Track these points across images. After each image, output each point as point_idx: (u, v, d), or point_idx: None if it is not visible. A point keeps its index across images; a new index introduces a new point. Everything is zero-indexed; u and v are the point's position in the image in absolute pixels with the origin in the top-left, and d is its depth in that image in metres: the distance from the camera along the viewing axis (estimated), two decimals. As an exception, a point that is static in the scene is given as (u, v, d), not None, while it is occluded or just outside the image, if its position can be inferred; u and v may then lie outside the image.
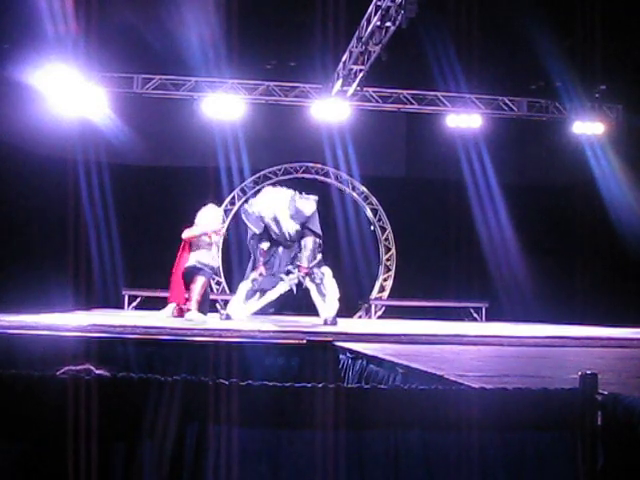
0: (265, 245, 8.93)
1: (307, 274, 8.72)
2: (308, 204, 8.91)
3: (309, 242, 8.83)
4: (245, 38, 10.03)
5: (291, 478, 2.33)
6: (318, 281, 8.78)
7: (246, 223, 9.08)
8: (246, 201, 13.64)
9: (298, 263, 8.80)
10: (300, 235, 8.89)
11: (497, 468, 2.40)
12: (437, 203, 13.89)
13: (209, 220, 9.24)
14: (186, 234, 9.19)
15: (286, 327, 7.29)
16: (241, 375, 4.20)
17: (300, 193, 9.10)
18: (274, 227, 8.81)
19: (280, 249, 8.97)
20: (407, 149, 14.48)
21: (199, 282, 8.91)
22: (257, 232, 8.90)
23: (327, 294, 8.78)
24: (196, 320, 8.38)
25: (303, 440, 2.34)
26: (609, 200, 12.61)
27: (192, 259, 9.07)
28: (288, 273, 8.80)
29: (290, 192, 9.03)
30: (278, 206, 8.81)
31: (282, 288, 8.84)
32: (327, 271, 8.92)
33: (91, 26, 9.52)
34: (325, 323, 8.53)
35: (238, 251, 13.00)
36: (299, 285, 8.78)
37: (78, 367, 2.58)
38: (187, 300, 9.02)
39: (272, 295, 8.84)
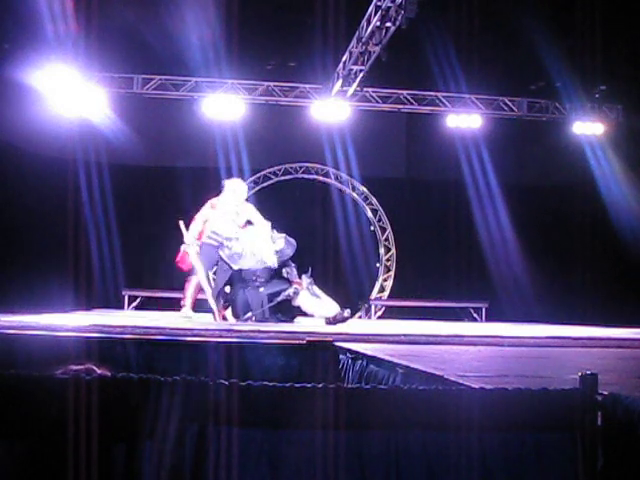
0: (228, 289, 8.76)
1: (300, 285, 8.69)
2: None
3: (289, 268, 8.84)
4: (245, 38, 10.03)
5: (291, 478, 2.33)
6: (309, 287, 8.78)
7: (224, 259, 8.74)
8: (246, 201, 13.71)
9: (292, 279, 8.78)
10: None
11: (497, 468, 2.40)
12: (437, 203, 13.90)
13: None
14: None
15: (286, 327, 7.29)
16: (241, 375, 4.20)
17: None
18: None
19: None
20: (407, 149, 14.48)
21: (193, 281, 8.94)
22: (235, 268, 8.63)
23: (320, 295, 8.80)
24: (186, 317, 8.48)
25: (303, 440, 2.34)
26: (609, 200, 12.61)
27: None
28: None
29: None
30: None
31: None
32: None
33: (91, 26, 9.52)
34: (331, 322, 8.52)
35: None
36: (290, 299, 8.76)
37: (79, 367, 2.59)
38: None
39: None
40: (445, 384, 3.11)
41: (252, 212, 9.04)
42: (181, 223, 8.84)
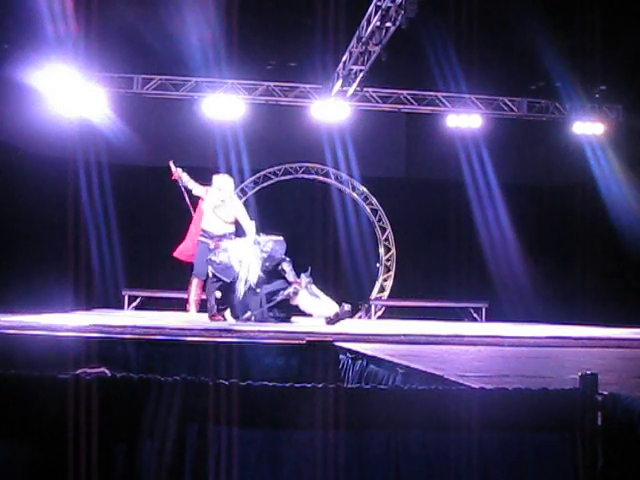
0: (219, 294, 8.75)
1: (299, 284, 8.67)
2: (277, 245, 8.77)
3: (285, 265, 8.81)
4: (245, 38, 10.02)
5: (291, 478, 2.33)
6: (307, 286, 8.76)
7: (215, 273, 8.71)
8: (247, 201, 13.71)
9: (291, 280, 8.75)
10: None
11: (497, 468, 2.40)
12: (437, 203, 13.89)
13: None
14: None
15: (286, 327, 7.29)
16: (241, 375, 4.20)
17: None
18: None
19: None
20: (407, 149, 14.48)
21: (193, 283, 8.96)
22: (227, 281, 8.59)
23: (319, 295, 8.78)
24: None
25: (303, 440, 2.34)
26: (609, 200, 12.61)
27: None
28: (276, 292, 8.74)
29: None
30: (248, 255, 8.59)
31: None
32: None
33: (91, 26, 9.52)
34: (332, 320, 8.51)
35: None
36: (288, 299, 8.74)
37: (94, 370, 2.59)
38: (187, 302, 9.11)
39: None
40: (445, 384, 3.11)
41: (238, 208, 9.12)
42: (171, 162, 9.22)
